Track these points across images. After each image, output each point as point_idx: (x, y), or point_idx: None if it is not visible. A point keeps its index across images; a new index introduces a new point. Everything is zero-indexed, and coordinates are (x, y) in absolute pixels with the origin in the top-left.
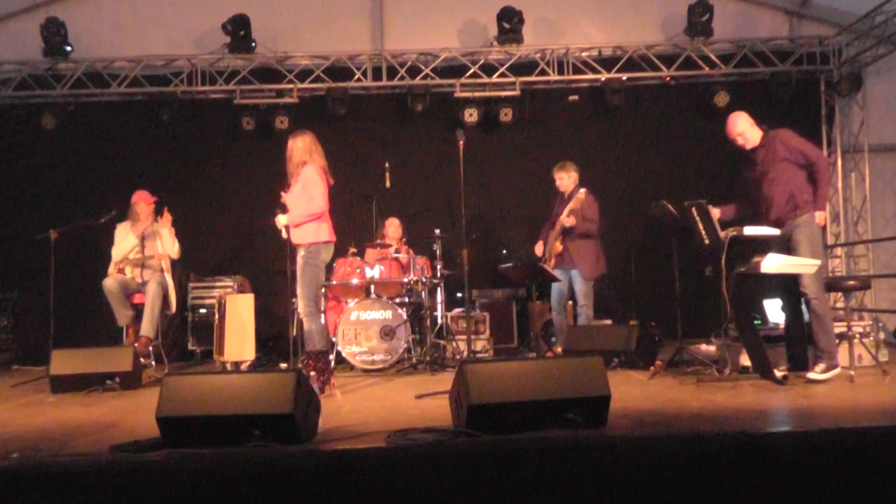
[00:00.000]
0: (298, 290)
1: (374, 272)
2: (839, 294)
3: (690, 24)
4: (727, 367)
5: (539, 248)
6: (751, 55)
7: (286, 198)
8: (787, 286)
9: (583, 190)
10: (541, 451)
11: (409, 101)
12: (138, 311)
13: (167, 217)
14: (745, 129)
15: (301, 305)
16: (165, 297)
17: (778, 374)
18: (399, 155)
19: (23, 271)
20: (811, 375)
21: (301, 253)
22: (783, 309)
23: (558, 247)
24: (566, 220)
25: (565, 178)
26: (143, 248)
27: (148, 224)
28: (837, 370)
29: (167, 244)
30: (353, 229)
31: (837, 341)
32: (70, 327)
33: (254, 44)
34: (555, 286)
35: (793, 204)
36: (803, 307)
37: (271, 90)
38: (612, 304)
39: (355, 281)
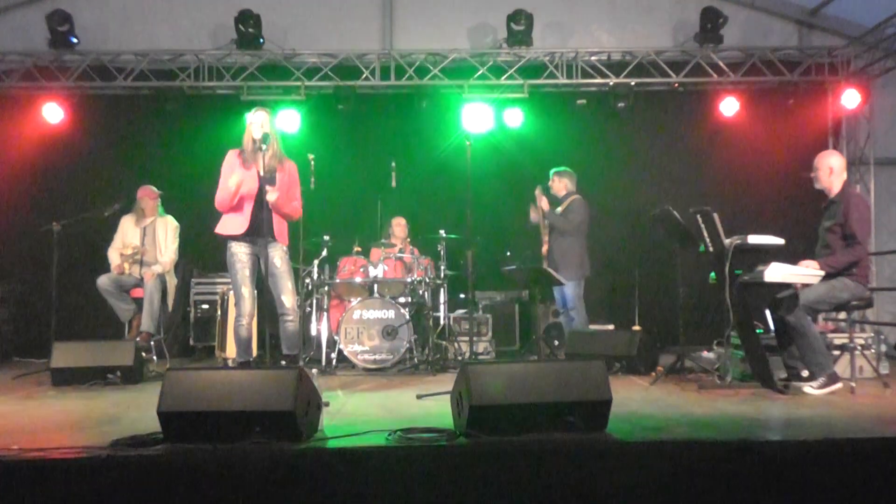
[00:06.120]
0: (290, 286)
1: (377, 271)
2: None
3: (701, 31)
4: (728, 374)
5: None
6: (760, 64)
7: (276, 188)
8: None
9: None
10: (541, 453)
11: (418, 100)
12: (139, 304)
13: (174, 223)
14: (824, 173)
15: (293, 302)
16: (164, 292)
17: (779, 382)
18: (406, 155)
19: (25, 263)
20: (807, 389)
21: (284, 248)
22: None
23: (545, 247)
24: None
25: (556, 182)
26: (143, 243)
27: (152, 219)
28: (838, 386)
29: (163, 244)
30: (358, 228)
31: (839, 352)
32: (72, 320)
33: (262, 40)
34: (556, 290)
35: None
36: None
37: (279, 87)
38: (615, 308)
39: (358, 280)
